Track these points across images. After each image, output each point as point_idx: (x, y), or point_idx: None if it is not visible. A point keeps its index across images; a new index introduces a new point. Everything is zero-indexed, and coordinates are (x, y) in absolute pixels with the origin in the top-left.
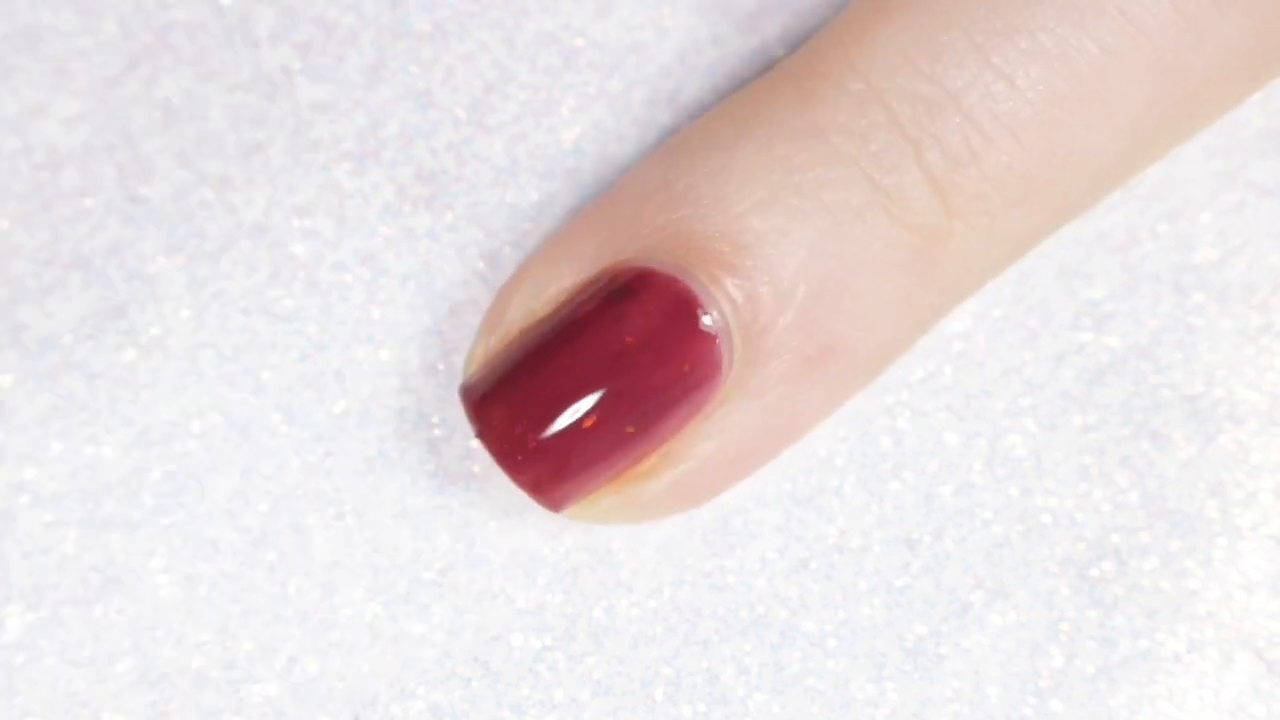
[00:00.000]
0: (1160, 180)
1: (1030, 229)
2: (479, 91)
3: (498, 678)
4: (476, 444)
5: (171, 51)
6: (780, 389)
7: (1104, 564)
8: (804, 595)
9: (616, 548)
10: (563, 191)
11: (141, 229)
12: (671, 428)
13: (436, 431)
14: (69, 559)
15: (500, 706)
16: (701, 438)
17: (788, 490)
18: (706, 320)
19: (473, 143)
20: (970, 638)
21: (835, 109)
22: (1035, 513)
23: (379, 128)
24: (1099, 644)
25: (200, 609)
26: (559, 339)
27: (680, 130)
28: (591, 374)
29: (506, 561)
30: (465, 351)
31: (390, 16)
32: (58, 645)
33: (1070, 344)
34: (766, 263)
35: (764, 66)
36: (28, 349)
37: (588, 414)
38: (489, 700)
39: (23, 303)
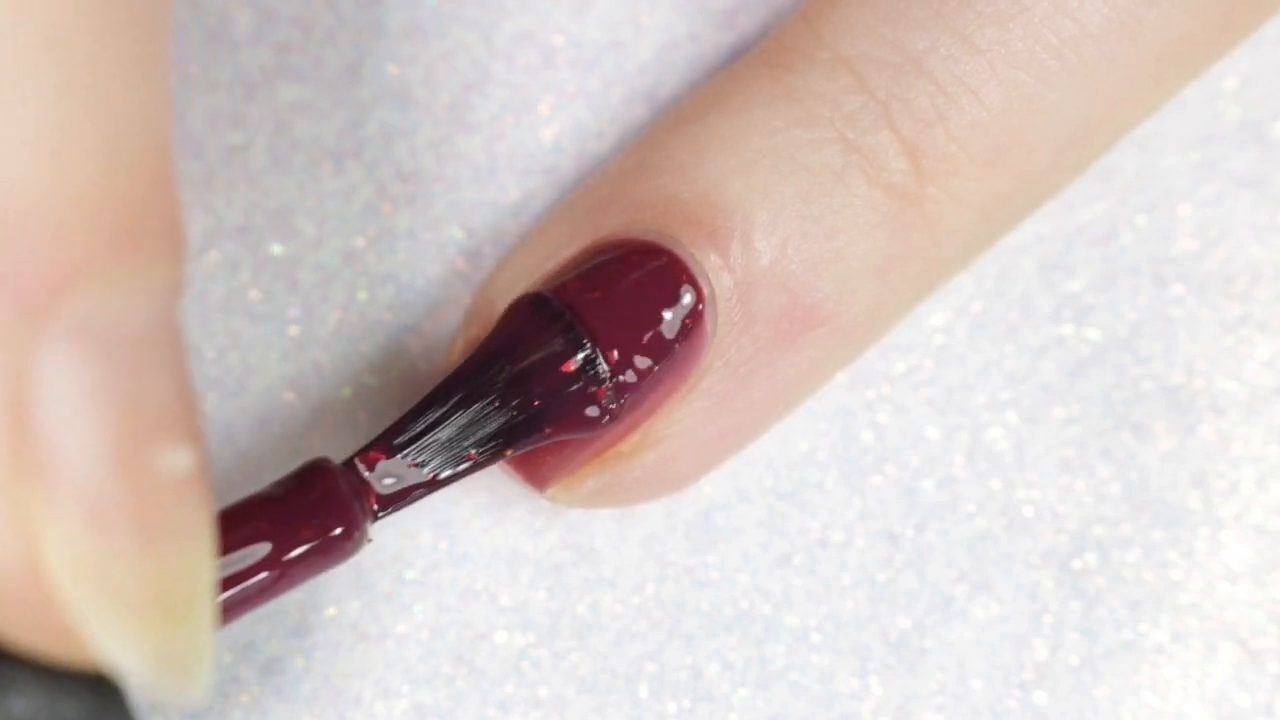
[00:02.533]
0: (1139, 172)
1: (1001, 195)
2: (458, 90)
3: (482, 676)
4: None
5: None
6: (762, 356)
7: (1086, 556)
8: (787, 590)
9: (600, 544)
10: (542, 189)
11: None
12: (657, 398)
13: None
14: None
15: (485, 704)
16: (684, 409)
17: (770, 485)
18: (691, 293)
19: (452, 141)
20: (954, 631)
21: (806, 76)
22: (1017, 505)
23: (358, 127)
24: (1082, 636)
25: None
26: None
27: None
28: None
29: (490, 559)
30: (447, 350)
31: (368, 16)
32: None
33: (1050, 337)
34: (748, 223)
35: None
36: None
37: None
38: (474, 698)
39: None
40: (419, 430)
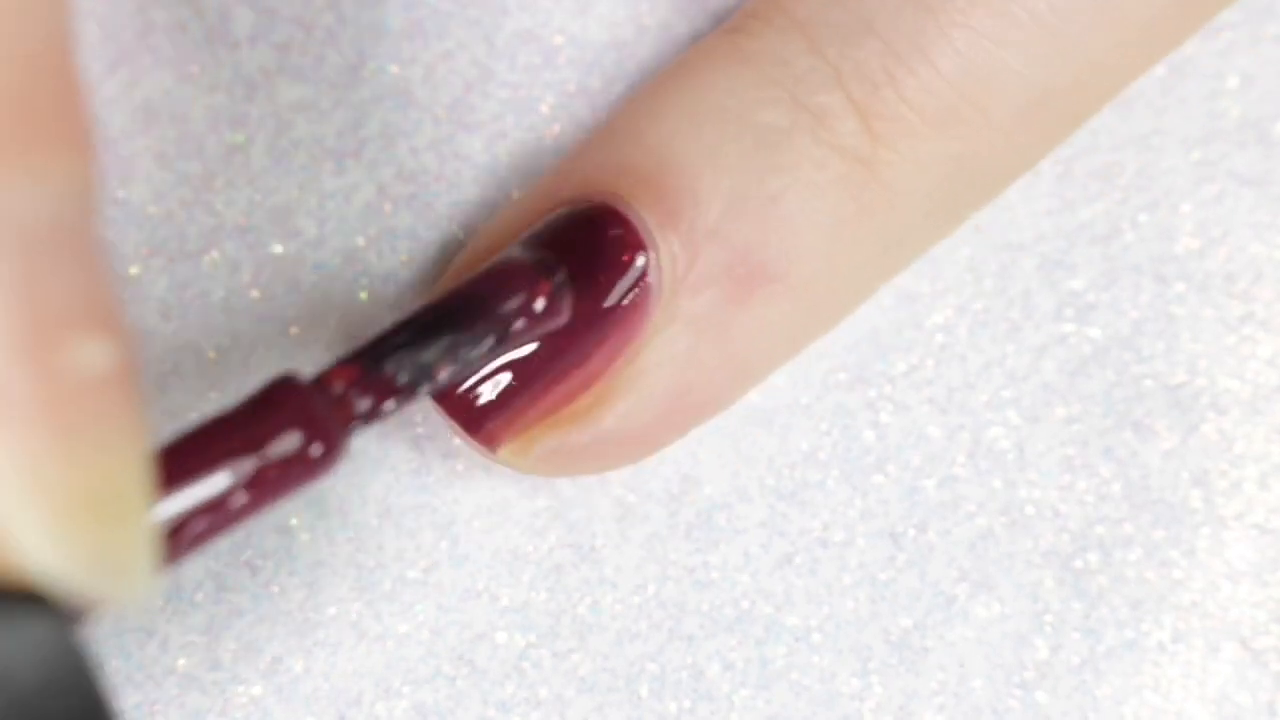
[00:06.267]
0: (1140, 170)
1: (957, 158)
2: (459, 90)
3: (483, 676)
4: (460, 443)
5: (151, 53)
6: (712, 314)
7: (1088, 555)
8: (788, 590)
9: (600, 544)
10: None
11: (122, 231)
12: (603, 357)
13: (420, 430)
14: None
15: (485, 704)
16: (635, 369)
17: (771, 485)
18: (640, 258)
19: (453, 141)
20: (955, 630)
21: (761, 39)
22: (1019, 505)
23: (359, 127)
24: (1084, 635)
25: (185, 610)
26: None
27: None
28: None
29: (490, 559)
30: None
31: (369, 16)
32: None
33: (1052, 335)
34: (695, 182)
35: None
36: None
37: None
38: (474, 698)
39: None
40: (383, 346)
